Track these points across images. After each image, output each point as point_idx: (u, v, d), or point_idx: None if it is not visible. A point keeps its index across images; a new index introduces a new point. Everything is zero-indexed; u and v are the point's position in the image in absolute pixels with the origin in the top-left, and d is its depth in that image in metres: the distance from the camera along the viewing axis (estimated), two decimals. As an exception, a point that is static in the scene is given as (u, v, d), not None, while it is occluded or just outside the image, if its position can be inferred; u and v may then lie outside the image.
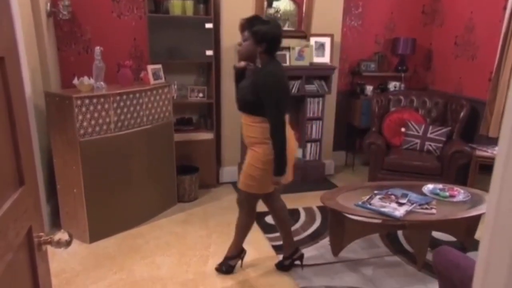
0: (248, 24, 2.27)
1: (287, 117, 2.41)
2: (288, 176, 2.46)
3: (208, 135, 4.02)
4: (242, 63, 2.43)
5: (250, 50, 2.30)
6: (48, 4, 3.40)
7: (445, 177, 3.74)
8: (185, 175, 3.76)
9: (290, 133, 2.44)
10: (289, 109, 2.44)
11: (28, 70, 2.86)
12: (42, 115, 3.16)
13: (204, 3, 3.85)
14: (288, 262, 2.75)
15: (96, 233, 3.09)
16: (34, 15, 3.09)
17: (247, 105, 2.36)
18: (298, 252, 2.76)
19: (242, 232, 2.66)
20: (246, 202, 2.56)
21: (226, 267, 2.70)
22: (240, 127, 2.53)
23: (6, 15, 0.95)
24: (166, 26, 3.68)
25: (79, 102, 2.85)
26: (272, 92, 2.26)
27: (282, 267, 2.76)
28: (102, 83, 3.13)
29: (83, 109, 2.87)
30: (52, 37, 3.60)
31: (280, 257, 2.84)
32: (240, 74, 2.50)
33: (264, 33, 2.24)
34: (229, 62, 3.97)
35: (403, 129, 4.21)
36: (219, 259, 2.84)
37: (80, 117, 2.86)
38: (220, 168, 4.25)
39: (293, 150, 2.50)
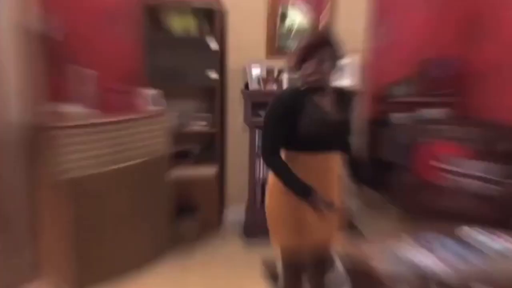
0: (331, 41, 1.92)
1: None
2: None
3: (210, 170, 3.62)
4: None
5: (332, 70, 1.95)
6: (38, 25, 3.11)
7: (493, 224, 3.14)
8: (184, 215, 3.41)
9: None
10: None
11: (13, 95, 2.62)
12: (21, 148, 2.81)
13: (209, 21, 3.50)
14: None
15: (84, 281, 2.73)
16: (22, 37, 2.82)
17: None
18: None
19: None
20: None
21: None
22: (321, 172, 2.02)
23: None
24: (166, 46, 3.40)
25: (65, 132, 2.55)
26: None
27: None
28: (89, 110, 2.88)
29: (69, 140, 2.56)
30: (41, 60, 3.30)
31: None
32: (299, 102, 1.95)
33: (343, 52, 1.96)
34: (236, 86, 3.59)
35: (441, 164, 3.63)
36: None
37: (65, 150, 2.54)
38: (224, 208, 3.80)
39: None
